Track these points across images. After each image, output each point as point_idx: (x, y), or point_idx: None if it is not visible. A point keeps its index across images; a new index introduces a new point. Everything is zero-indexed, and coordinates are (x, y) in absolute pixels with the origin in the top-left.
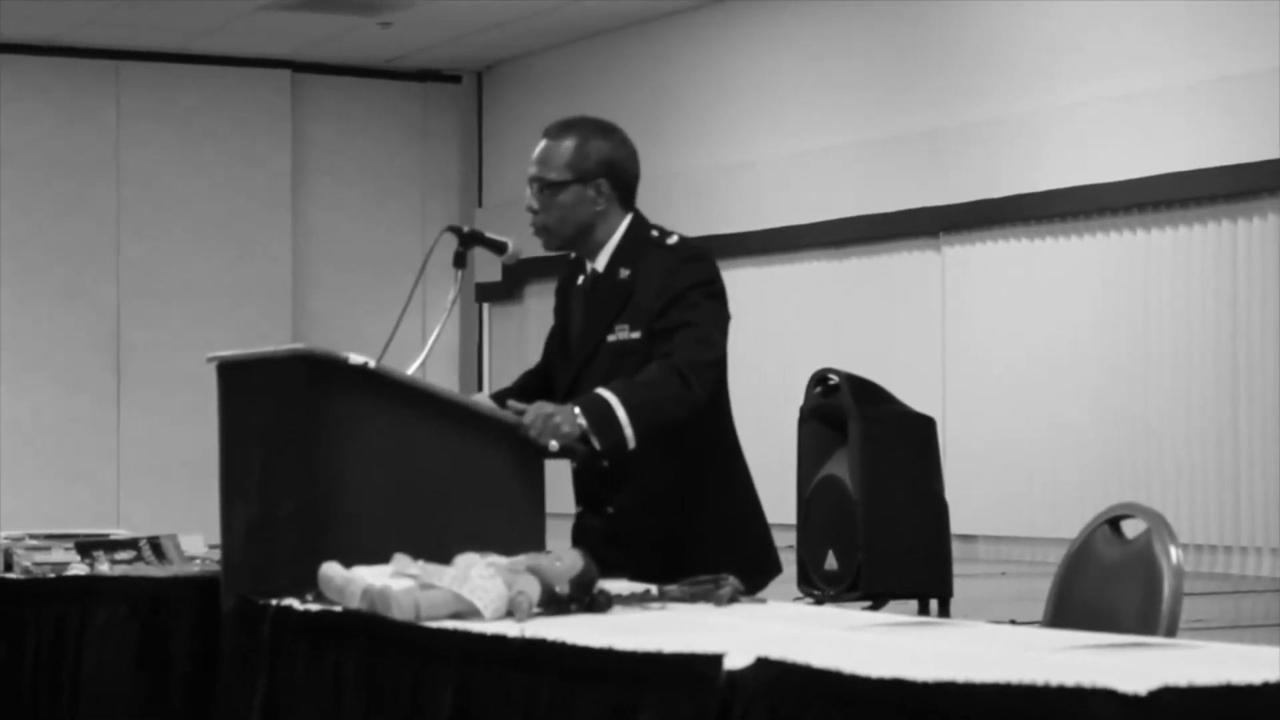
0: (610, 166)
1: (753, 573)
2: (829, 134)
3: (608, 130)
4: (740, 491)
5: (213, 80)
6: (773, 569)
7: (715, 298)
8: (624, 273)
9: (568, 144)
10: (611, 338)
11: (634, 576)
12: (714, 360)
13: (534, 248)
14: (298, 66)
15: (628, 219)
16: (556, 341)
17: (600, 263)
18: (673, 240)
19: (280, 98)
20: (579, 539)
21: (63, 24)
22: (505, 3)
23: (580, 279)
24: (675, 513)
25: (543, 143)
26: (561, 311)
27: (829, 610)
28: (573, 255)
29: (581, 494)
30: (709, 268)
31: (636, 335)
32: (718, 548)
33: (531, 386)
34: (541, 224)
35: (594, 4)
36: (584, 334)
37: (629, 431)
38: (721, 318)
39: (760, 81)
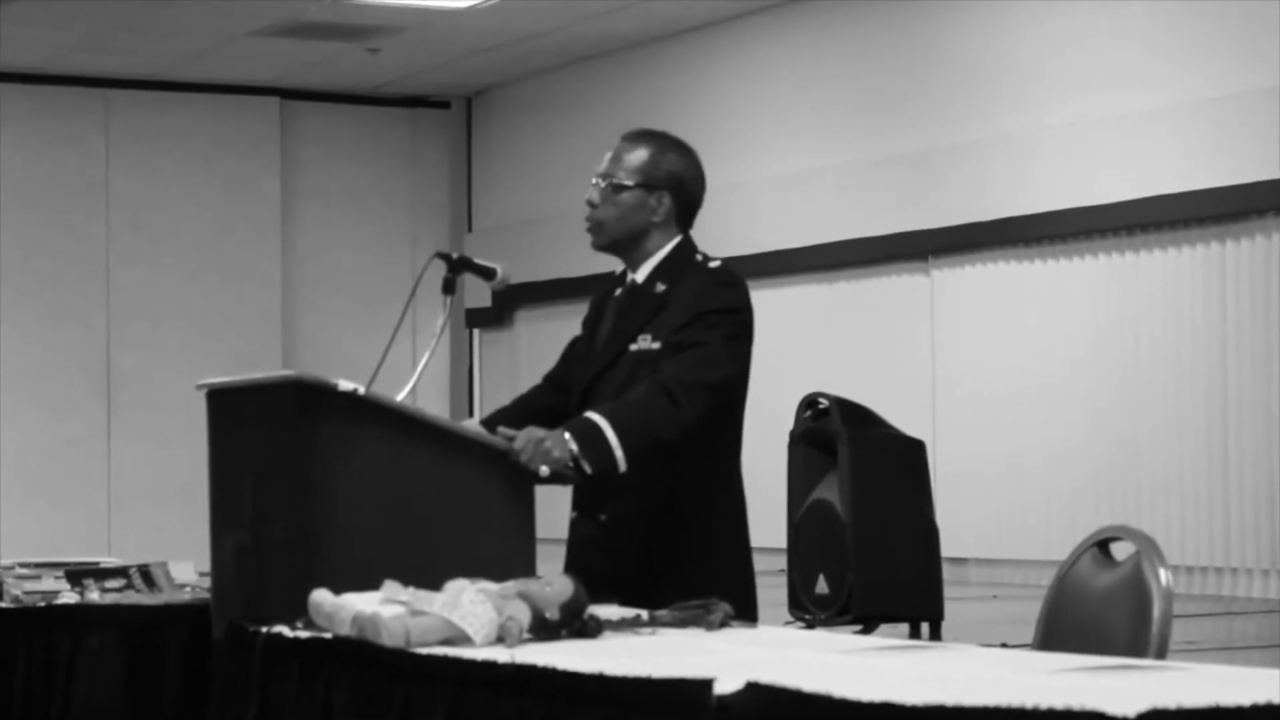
0: (678, 182)
1: (729, 598)
2: (817, 157)
3: (685, 149)
4: (732, 516)
5: (201, 107)
6: (750, 616)
7: (736, 326)
8: (660, 287)
9: (642, 150)
10: (634, 346)
11: (619, 587)
12: (712, 382)
13: (522, 274)
14: (286, 93)
15: (678, 238)
16: (580, 347)
17: (641, 274)
18: (715, 264)
19: (269, 124)
20: (573, 543)
21: (51, 52)
22: (494, 28)
23: (618, 291)
24: (664, 530)
25: (620, 144)
26: (592, 321)
27: (820, 634)
28: (618, 271)
29: (578, 499)
30: (740, 295)
31: (656, 345)
32: (700, 572)
33: (527, 409)
34: (597, 218)
35: (582, 29)
36: (609, 340)
37: (620, 454)
38: (736, 347)
39: (748, 105)
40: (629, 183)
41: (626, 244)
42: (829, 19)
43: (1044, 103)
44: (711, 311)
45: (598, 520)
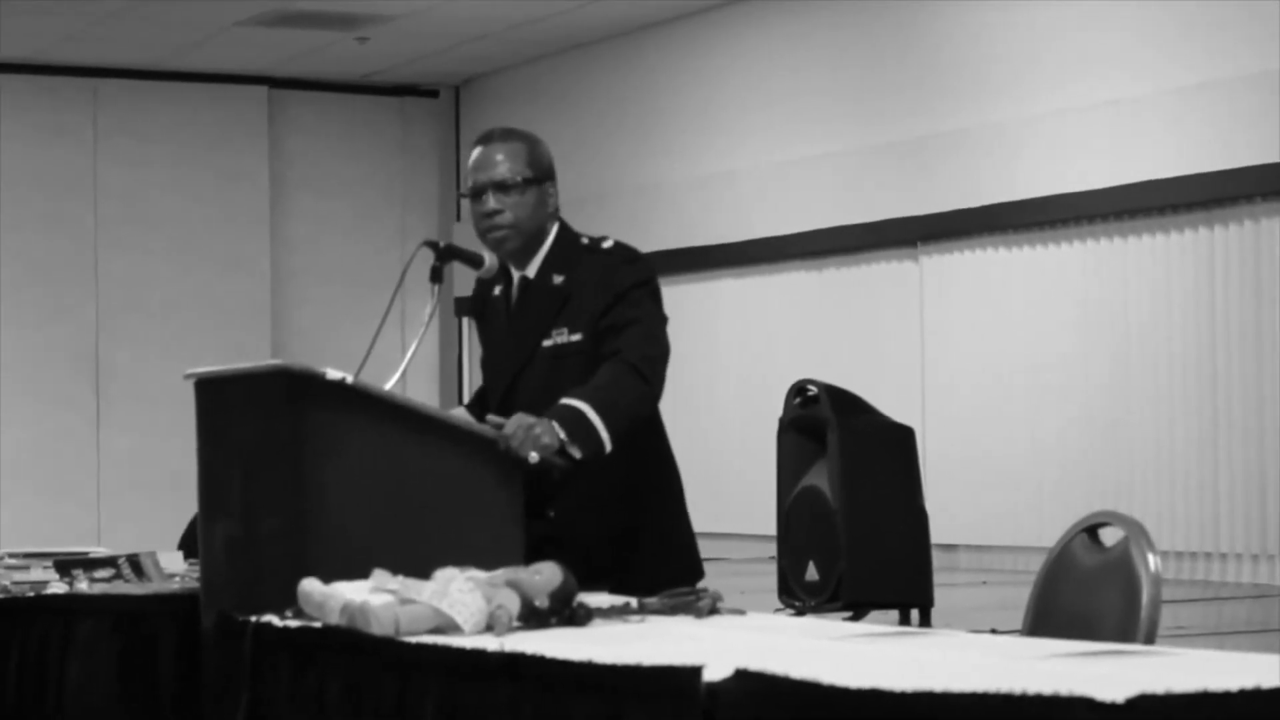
0: (553, 171)
1: (684, 572)
2: (806, 145)
3: (541, 139)
4: (675, 492)
5: (190, 97)
6: (699, 573)
7: (654, 298)
8: (558, 279)
9: (519, 146)
10: (548, 342)
11: (581, 578)
12: (663, 354)
13: None
14: (275, 82)
15: (557, 225)
16: (485, 356)
17: (531, 270)
18: (608, 244)
19: (258, 113)
20: None
21: (40, 42)
22: (483, 17)
23: (497, 290)
24: (615, 513)
25: (485, 149)
26: (485, 332)
27: (810, 621)
28: (486, 274)
29: None
30: (647, 268)
31: (578, 337)
32: (655, 548)
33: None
34: (509, 221)
35: (571, 17)
36: (517, 341)
37: (605, 436)
38: (662, 317)
39: (738, 93)
40: (527, 178)
41: (533, 241)
42: (818, 7)
43: (1033, 89)
44: (631, 287)
45: (546, 517)
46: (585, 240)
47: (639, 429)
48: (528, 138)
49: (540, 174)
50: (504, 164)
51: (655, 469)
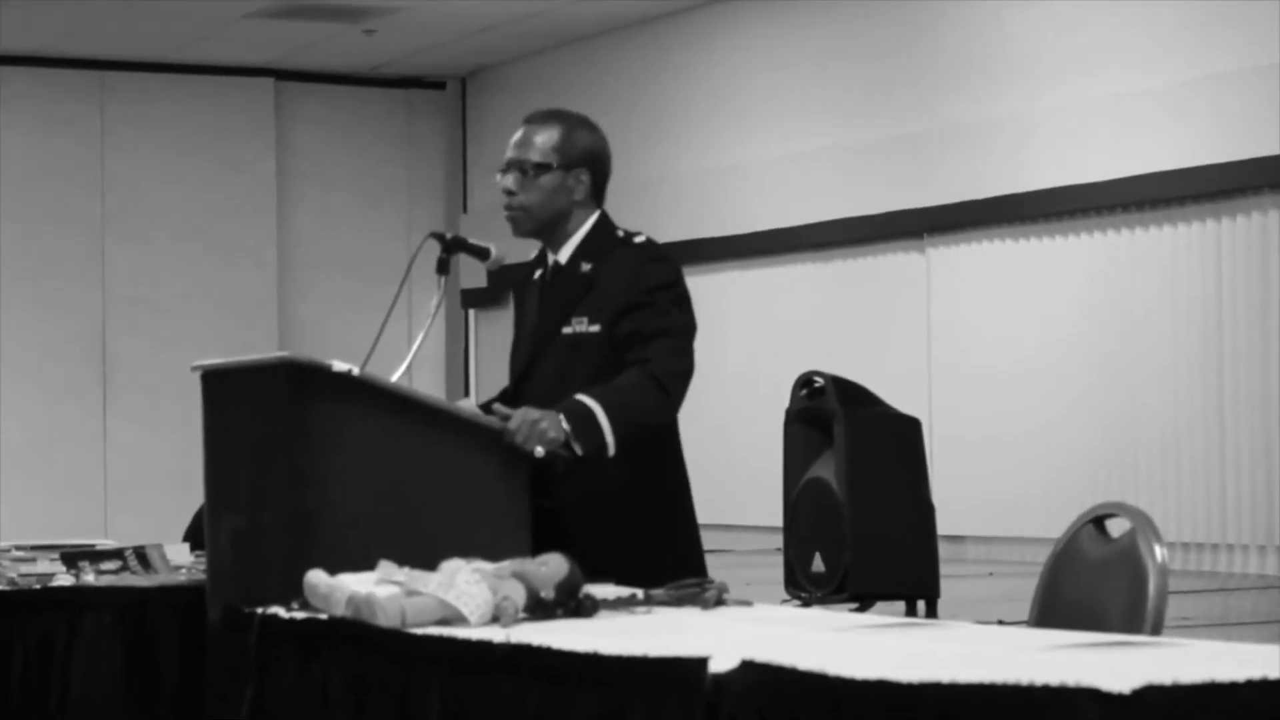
0: (592, 159)
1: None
2: (813, 137)
3: (591, 125)
4: (681, 498)
5: (197, 88)
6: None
7: (680, 304)
8: (586, 266)
9: (553, 130)
10: (567, 330)
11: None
12: (688, 369)
13: (517, 253)
14: (281, 74)
15: (595, 215)
16: (514, 337)
17: (563, 255)
18: (640, 239)
19: (264, 105)
20: None
21: (48, 34)
22: (489, 8)
23: (537, 273)
24: (614, 511)
25: (525, 128)
26: (518, 309)
27: (816, 612)
28: (533, 255)
29: None
30: (674, 269)
31: (595, 329)
32: (657, 553)
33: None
34: (520, 204)
35: (578, 9)
36: (540, 325)
37: (610, 437)
38: (690, 326)
39: (744, 85)
40: (546, 163)
41: (550, 227)
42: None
43: (1040, 81)
44: (657, 290)
45: (542, 508)
46: (621, 233)
47: (650, 435)
48: (568, 121)
49: (568, 161)
50: (530, 146)
51: (663, 472)
